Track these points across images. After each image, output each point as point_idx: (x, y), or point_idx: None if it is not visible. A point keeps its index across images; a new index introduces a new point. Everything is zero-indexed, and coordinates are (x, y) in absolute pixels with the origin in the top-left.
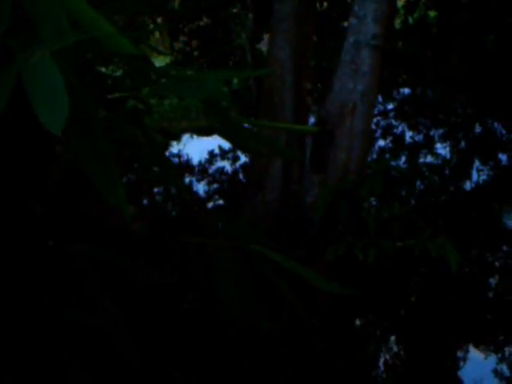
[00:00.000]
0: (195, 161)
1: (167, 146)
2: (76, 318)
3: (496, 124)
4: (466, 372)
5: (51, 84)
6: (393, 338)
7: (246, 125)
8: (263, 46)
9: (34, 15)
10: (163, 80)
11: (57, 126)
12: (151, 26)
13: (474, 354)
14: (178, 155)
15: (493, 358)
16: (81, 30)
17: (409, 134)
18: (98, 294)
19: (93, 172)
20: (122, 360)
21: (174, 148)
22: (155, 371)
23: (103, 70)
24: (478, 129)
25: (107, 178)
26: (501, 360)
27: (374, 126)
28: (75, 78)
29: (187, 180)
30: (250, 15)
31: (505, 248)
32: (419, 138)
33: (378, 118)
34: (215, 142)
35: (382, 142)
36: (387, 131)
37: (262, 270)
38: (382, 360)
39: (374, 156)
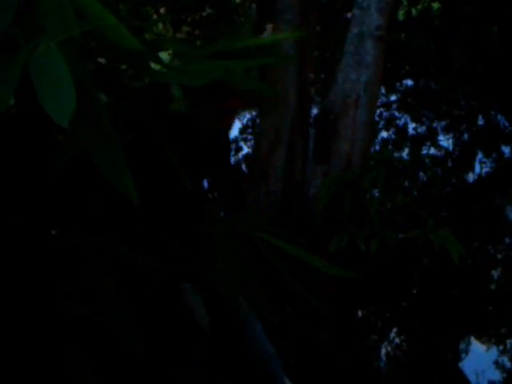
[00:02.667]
0: None
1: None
2: (79, 311)
3: (499, 116)
4: (468, 364)
5: (57, 74)
6: (395, 329)
7: None
8: (266, 37)
9: (40, 6)
10: (165, 70)
11: (64, 117)
12: (154, 16)
13: (476, 345)
14: None
15: (494, 350)
16: (85, 21)
17: (412, 126)
18: (103, 284)
19: (99, 159)
20: (127, 353)
21: None
22: (159, 363)
23: (105, 60)
24: (481, 121)
25: (114, 164)
26: (502, 352)
27: (376, 118)
28: (80, 67)
29: None
30: (254, 6)
31: (507, 240)
32: (422, 129)
33: (381, 109)
34: None
35: (384, 134)
36: (390, 123)
37: (266, 257)
38: (383, 351)
39: (377, 147)
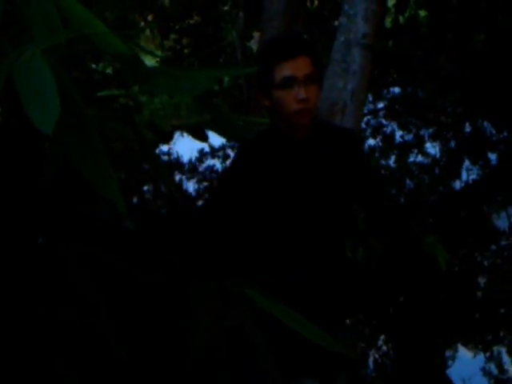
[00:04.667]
0: (185, 159)
1: (157, 143)
2: (66, 317)
3: (486, 123)
4: (455, 371)
5: (42, 82)
6: (382, 337)
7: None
8: (254, 44)
9: (25, 13)
10: (154, 78)
11: (48, 125)
12: (142, 23)
13: (463, 352)
14: (168, 153)
15: (481, 357)
16: (72, 29)
17: (399, 134)
18: (89, 292)
19: (85, 166)
20: (111, 359)
21: (164, 146)
22: (144, 369)
23: (94, 66)
24: (467, 128)
25: (100, 170)
26: (489, 359)
27: (363, 125)
28: (66, 75)
29: (177, 178)
30: (241, 13)
31: (493, 247)
32: (409, 137)
33: (368, 117)
34: None
35: (371, 141)
36: (377, 130)
37: (242, 320)
38: (371, 359)
39: None
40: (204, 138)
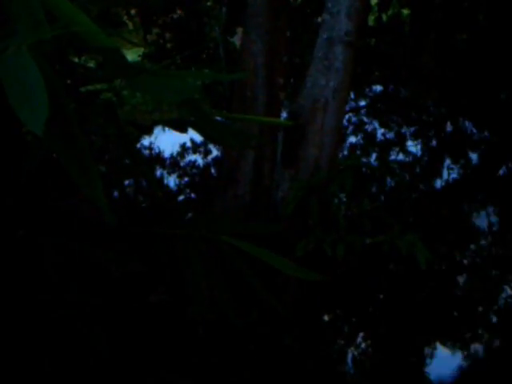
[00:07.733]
0: (167, 153)
1: (139, 138)
2: (46, 310)
3: (467, 123)
4: (433, 368)
5: (29, 79)
6: (361, 334)
7: (218, 118)
8: (237, 40)
9: (9, 8)
10: (138, 75)
11: (38, 125)
12: (125, 17)
13: (441, 350)
14: (150, 148)
15: (459, 355)
16: (57, 23)
17: (380, 131)
18: (68, 285)
19: (68, 162)
20: (93, 352)
21: (146, 140)
22: (125, 364)
23: (76, 60)
24: (449, 127)
25: (83, 168)
26: (467, 357)
27: (345, 123)
28: (49, 68)
29: (158, 173)
30: (224, 8)
31: (473, 246)
32: (390, 135)
33: (350, 114)
34: (187, 135)
35: (353, 139)
36: (359, 128)
37: (231, 262)
38: (350, 356)
39: (345, 152)
40: (184, 130)
